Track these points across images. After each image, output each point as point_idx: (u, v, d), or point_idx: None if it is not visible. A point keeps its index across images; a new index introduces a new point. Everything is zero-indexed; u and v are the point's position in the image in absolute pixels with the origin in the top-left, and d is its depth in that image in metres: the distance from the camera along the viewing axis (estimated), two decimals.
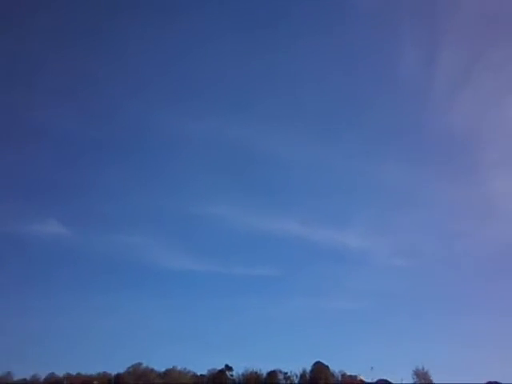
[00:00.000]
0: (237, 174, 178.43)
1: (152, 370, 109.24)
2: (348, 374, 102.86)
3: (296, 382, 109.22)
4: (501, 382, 77.01)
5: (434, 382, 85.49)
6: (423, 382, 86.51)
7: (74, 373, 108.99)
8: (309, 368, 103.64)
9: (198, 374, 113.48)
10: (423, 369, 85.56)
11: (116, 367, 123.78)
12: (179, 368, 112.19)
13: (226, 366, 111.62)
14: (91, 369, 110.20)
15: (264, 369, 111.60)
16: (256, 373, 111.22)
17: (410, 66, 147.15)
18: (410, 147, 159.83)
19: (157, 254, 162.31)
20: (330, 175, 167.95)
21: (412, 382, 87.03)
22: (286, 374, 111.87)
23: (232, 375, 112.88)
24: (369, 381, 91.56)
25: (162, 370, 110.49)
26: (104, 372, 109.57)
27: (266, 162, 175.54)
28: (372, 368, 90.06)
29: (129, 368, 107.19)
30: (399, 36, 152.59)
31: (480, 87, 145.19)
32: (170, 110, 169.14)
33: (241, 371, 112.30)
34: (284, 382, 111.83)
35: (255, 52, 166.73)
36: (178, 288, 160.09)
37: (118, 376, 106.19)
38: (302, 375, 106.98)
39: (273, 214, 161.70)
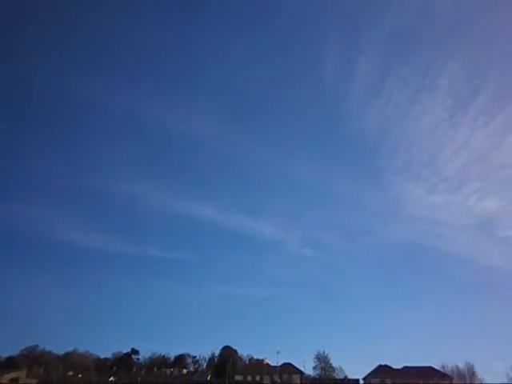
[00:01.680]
0: (155, 155, 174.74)
1: (50, 353, 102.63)
2: (255, 357, 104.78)
3: (204, 365, 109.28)
4: (391, 365, 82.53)
5: (333, 364, 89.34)
6: (323, 365, 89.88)
7: None
8: (217, 352, 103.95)
9: (102, 357, 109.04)
10: (324, 353, 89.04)
11: (8, 350, 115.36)
12: (81, 351, 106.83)
13: (133, 349, 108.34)
14: None
15: (172, 352, 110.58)
16: (163, 356, 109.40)
17: (331, 72, 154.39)
18: (324, 148, 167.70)
19: (59, 229, 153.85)
20: (248, 166, 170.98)
21: (313, 365, 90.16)
22: (194, 357, 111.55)
23: (138, 359, 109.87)
24: (274, 364, 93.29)
25: (62, 352, 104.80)
26: None
27: (186, 147, 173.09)
28: (278, 352, 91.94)
29: (22, 350, 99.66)
30: (324, 43, 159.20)
31: (390, 99, 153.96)
32: (84, 77, 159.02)
33: (148, 355, 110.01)
34: (192, 365, 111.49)
35: (177, 44, 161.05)
36: (84, 267, 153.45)
37: (9, 358, 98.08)
38: (211, 359, 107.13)
39: (190, 198, 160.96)
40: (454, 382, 78.33)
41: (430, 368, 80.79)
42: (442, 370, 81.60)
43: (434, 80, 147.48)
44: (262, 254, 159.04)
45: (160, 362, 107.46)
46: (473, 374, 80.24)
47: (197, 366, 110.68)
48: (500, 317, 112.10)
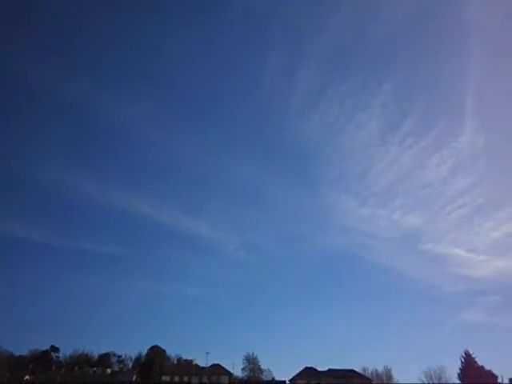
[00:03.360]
0: (91, 145, 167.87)
1: None
2: (184, 358, 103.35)
3: (130, 365, 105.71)
4: (316, 367, 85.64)
5: (261, 366, 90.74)
6: (252, 366, 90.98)
7: None
8: (145, 352, 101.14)
9: (17, 354, 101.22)
10: (253, 354, 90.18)
11: None
12: None
13: (52, 346, 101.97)
14: None
15: (96, 351, 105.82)
16: (86, 355, 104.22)
17: (273, 81, 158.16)
18: (264, 154, 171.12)
19: None
20: (188, 165, 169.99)
21: (242, 366, 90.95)
22: (119, 357, 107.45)
23: (58, 356, 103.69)
24: (203, 365, 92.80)
25: None
26: None
27: (125, 140, 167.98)
28: (207, 353, 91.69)
29: None
30: (268, 51, 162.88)
31: (328, 112, 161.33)
32: (8, 55, 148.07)
33: (69, 352, 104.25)
34: (117, 365, 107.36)
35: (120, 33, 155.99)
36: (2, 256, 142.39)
37: None
38: (137, 359, 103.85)
39: (125, 192, 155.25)
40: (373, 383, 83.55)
41: (352, 371, 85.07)
42: (362, 372, 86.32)
43: (369, 99, 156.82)
44: (196, 254, 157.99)
45: (82, 360, 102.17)
46: (390, 376, 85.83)
47: (122, 365, 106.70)
48: (417, 324, 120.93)
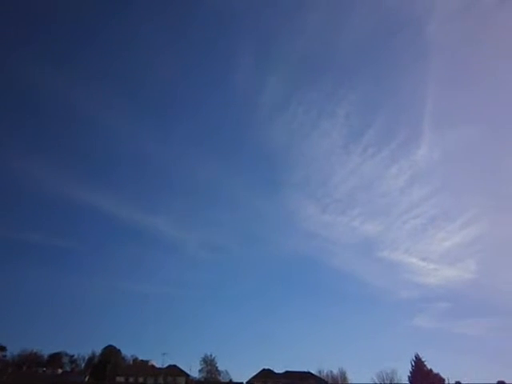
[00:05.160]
0: (53, 134, 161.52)
1: None
2: (140, 358, 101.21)
3: (82, 365, 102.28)
4: (273, 369, 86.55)
5: (219, 367, 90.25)
6: (209, 368, 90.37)
7: None
8: (99, 351, 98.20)
9: None
10: (211, 356, 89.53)
11: None
12: None
13: None
14: None
15: (46, 350, 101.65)
16: (36, 354, 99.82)
17: (242, 83, 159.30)
18: (230, 154, 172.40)
19: None
20: (151, 162, 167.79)
21: (200, 367, 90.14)
22: (72, 356, 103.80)
23: (5, 356, 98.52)
24: (159, 366, 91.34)
25: None
26: None
27: (89, 132, 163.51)
28: (164, 354, 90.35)
29: None
30: (238, 52, 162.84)
31: (294, 118, 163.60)
32: None
33: (17, 352, 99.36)
34: (69, 365, 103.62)
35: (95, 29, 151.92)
36: None
37: None
38: (91, 358, 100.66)
39: (83, 184, 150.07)
40: None
41: (309, 373, 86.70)
42: (318, 374, 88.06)
43: (333, 108, 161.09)
44: (156, 251, 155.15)
45: (31, 360, 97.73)
46: (344, 378, 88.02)
47: (74, 365, 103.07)
48: (373, 328, 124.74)
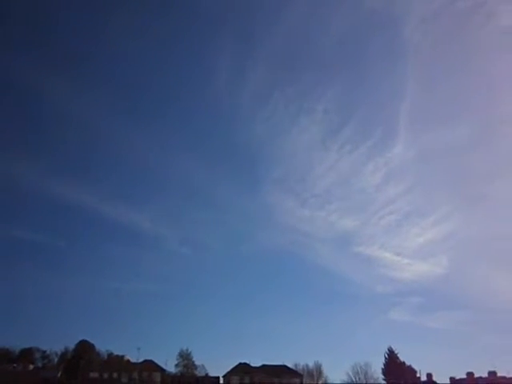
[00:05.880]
0: (33, 129, 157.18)
1: None
2: (115, 353, 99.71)
3: (55, 360, 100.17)
4: (250, 363, 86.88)
5: (195, 362, 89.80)
6: (186, 362, 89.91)
7: None
8: (72, 346, 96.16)
9: None
10: (187, 350, 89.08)
11: None
12: None
13: None
14: None
15: (18, 346, 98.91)
16: (7, 349, 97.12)
17: (223, 78, 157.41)
18: (211, 151, 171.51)
19: None
20: (134, 158, 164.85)
21: (176, 362, 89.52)
22: (44, 352, 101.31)
23: None
24: (134, 361, 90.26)
25: None
26: None
27: (70, 127, 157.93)
28: (139, 349, 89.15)
29: None
30: (219, 47, 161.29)
31: (274, 113, 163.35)
32: None
33: None
34: (41, 360, 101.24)
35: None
36: None
37: None
38: (64, 354, 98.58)
39: (66, 180, 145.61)
40: (304, 379, 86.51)
41: (285, 366, 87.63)
42: (294, 368, 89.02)
43: (312, 104, 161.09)
44: (135, 247, 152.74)
45: (2, 355, 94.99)
46: (320, 372, 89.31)
47: (46, 361, 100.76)
48: (348, 322, 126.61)
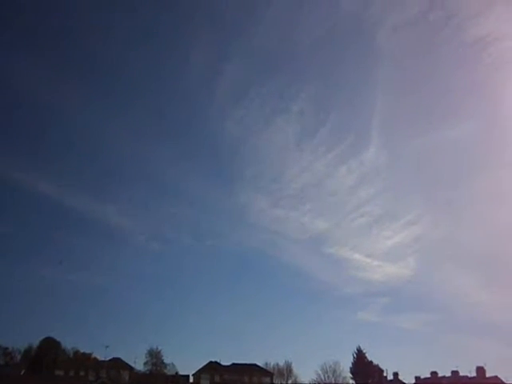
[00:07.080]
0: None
1: None
2: (81, 351, 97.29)
3: (18, 358, 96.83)
4: (220, 362, 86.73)
5: (165, 360, 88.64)
6: (155, 360, 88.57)
7: None
8: (36, 343, 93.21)
9: None
10: (157, 348, 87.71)
11: None
12: None
13: None
14: None
15: None
16: None
17: (198, 73, 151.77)
18: (184, 146, 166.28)
19: None
20: (102, 149, 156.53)
21: (145, 360, 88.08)
22: (6, 349, 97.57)
23: None
24: (102, 359, 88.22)
25: None
26: None
27: (37, 113, 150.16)
28: (107, 346, 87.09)
29: None
30: (193, 42, 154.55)
31: (249, 112, 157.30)
32: None
33: None
34: (3, 358, 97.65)
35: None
36: None
37: None
38: (27, 351, 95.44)
39: (22, 166, 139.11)
40: (275, 378, 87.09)
41: (255, 365, 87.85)
42: (265, 367, 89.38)
43: (287, 104, 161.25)
44: (103, 241, 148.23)
45: None
46: (290, 370, 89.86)
47: (8, 358, 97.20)
48: (319, 322, 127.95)
